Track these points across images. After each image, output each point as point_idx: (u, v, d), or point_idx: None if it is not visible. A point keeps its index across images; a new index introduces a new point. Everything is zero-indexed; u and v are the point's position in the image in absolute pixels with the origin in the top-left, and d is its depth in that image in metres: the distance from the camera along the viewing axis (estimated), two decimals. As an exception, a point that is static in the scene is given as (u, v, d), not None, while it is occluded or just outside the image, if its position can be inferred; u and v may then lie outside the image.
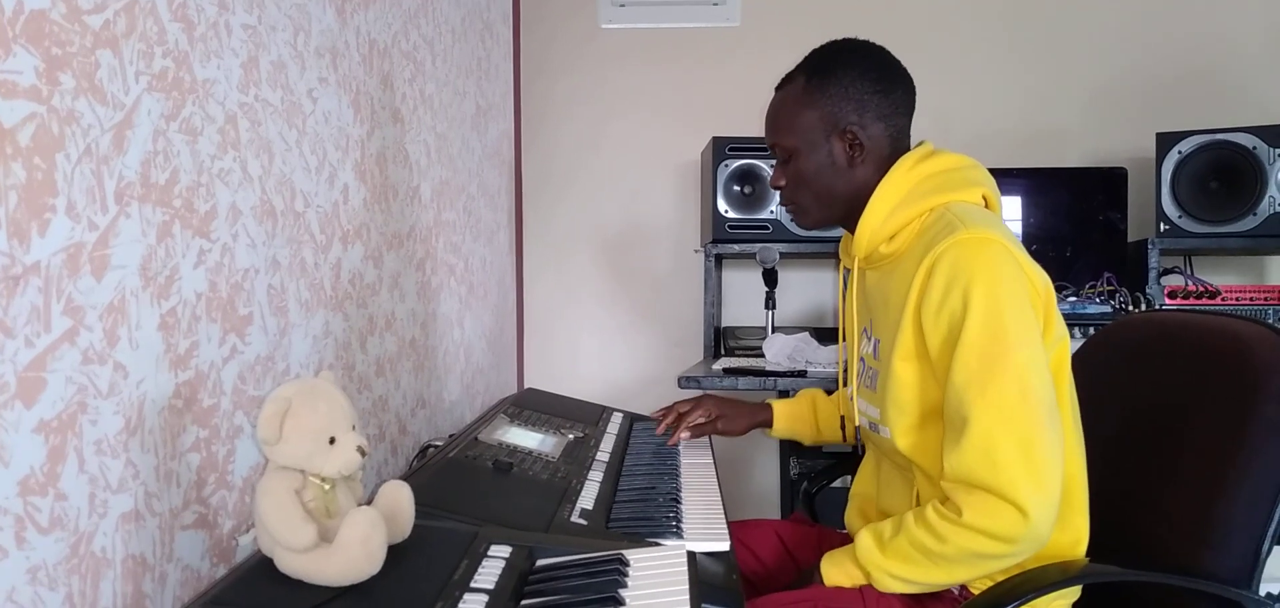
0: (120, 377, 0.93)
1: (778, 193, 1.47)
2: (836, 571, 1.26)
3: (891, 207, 1.32)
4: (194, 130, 1.07)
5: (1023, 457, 1.11)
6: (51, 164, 0.84)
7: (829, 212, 1.41)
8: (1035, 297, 1.21)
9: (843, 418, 1.62)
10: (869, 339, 1.40)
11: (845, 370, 1.54)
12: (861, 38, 1.41)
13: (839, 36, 1.43)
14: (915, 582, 1.20)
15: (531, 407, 1.90)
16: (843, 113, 1.34)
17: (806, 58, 1.41)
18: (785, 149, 1.40)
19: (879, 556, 1.22)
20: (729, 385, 2.21)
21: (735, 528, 1.32)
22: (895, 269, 1.31)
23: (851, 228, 1.40)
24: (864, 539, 1.24)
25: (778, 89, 1.44)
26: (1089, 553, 1.28)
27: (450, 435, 1.84)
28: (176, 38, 1.04)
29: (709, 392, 1.79)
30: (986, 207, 1.34)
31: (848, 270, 1.49)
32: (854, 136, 1.34)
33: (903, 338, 1.25)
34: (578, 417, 1.90)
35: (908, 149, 1.38)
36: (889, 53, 1.40)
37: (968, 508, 1.14)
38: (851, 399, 1.44)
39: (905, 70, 1.39)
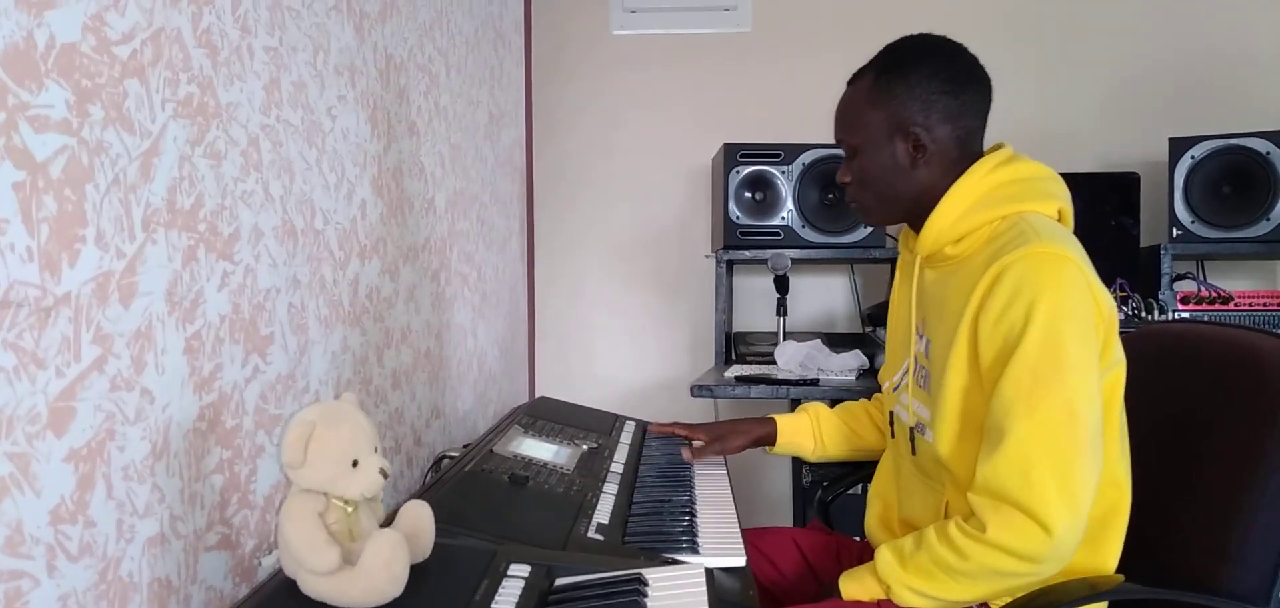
0: (147, 402, 0.95)
1: (844, 188, 1.43)
2: (856, 586, 1.25)
3: (964, 209, 1.28)
4: (218, 154, 1.08)
5: (1057, 478, 1.10)
6: (81, 195, 0.85)
7: (891, 211, 1.38)
8: (1099, 320, 1.18)
9: (893, 413, 1.59)
10: (921, 338, 1.37)
11: (881, 366, 1.51)
12: (938, 35, 1.37)
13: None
14: (936, 598, 1.19)
15: (544, 416, 1.90)
16: (908, 114, 1.31)
17: (880, 53, 1.38)
18: (850, 146, 1.37)
19: (899, 571, 1.20)
20: (741, 394, 2.21)
21: (752, 536, 1.32)
22: (958, 272, 1.28)
23: (915, 226, 1.37)
24: (884, 555, 1.23)
25: (849, 84, 1.41)
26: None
27: (465, 446, 1.85)
28: (201, 64, 1.05)
29: (706, 423, 1.79)
30: (1060, 220, 1.31)
31: (897, 262, 1.46)
32: (917, 139, 1.31)
33: (957, 343, 1.22)
34: (591, 426, 1.91)
35: (979, 151, 1.35)
36: (966, 51, 1.35)
37: (992, 524, 1.12)
38: (902, 394, 1.40)
39: (982, 71, 1.35)
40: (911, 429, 1.37)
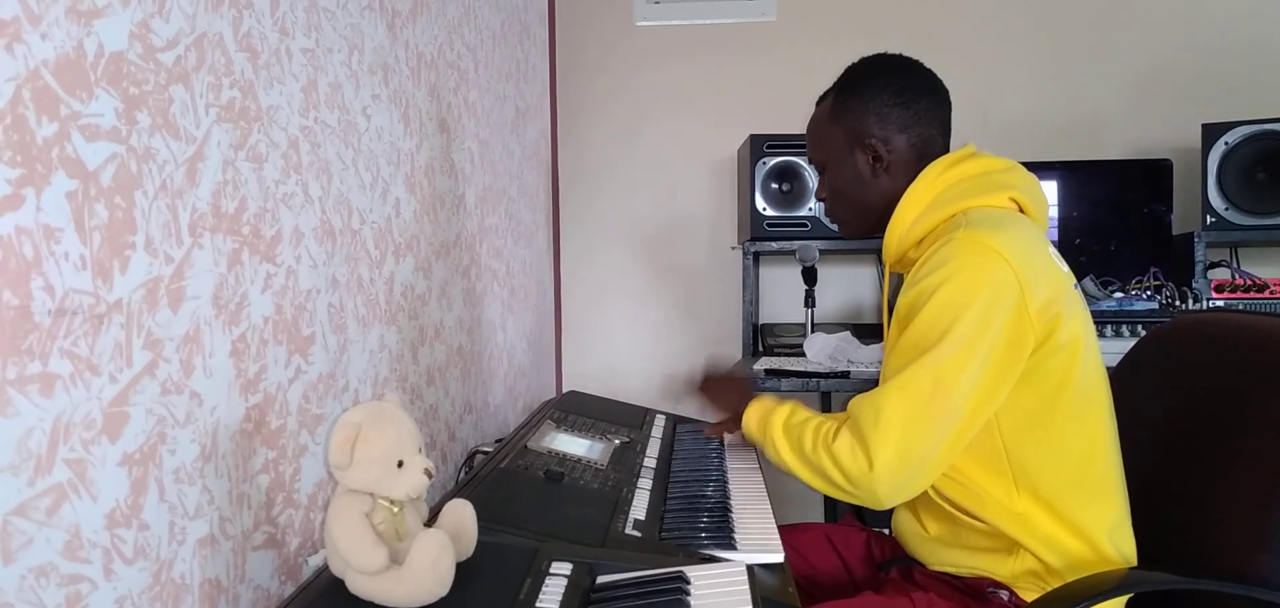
0: (196, 405, 0.96)
1: (822, 204, 1.56)
2: (752, 416, 1.42)
3: (918, 213, 1.36)
4: (259, 157, 1.09)
5: (902, 427, 1.18)
6: (130, 202, 0.86)
7: (865, 221, 1.47)
8: (1024, 318, 1.19)
9: None
10: None
11: None
12: (893, 52, 1.46)
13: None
14: (782, 460, 1.33)
15: (575, 411, 1.91)
16: (865, 126, 1.41)
17: (841, 75, 1.48)
18: (820, 163, 1.49)
19: (778, 425, 1.35)
20: (771, 387, 2.21)
21: (785, 533, 1.33)
22: None
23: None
24: (783, 409, 1.36)
25: (816, 105, 1.52)
26: (1139, 553, 1.28)
27: (497, 441, 1.86)
28: (242, 67, 1.06)
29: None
30: (1021, 210, 1.34)
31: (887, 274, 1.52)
32: (875, 150, 1.40)
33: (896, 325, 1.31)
34: (621, 420, 1.91)
35: (939, 155, 1.40)
36: (918, 64, 1.44)
37: (840, 438, 1.23)
38: None
39: (934, 80, 1.43)
40: None
